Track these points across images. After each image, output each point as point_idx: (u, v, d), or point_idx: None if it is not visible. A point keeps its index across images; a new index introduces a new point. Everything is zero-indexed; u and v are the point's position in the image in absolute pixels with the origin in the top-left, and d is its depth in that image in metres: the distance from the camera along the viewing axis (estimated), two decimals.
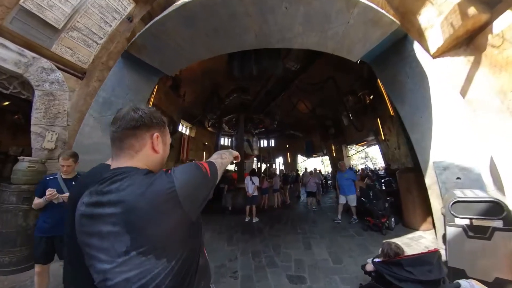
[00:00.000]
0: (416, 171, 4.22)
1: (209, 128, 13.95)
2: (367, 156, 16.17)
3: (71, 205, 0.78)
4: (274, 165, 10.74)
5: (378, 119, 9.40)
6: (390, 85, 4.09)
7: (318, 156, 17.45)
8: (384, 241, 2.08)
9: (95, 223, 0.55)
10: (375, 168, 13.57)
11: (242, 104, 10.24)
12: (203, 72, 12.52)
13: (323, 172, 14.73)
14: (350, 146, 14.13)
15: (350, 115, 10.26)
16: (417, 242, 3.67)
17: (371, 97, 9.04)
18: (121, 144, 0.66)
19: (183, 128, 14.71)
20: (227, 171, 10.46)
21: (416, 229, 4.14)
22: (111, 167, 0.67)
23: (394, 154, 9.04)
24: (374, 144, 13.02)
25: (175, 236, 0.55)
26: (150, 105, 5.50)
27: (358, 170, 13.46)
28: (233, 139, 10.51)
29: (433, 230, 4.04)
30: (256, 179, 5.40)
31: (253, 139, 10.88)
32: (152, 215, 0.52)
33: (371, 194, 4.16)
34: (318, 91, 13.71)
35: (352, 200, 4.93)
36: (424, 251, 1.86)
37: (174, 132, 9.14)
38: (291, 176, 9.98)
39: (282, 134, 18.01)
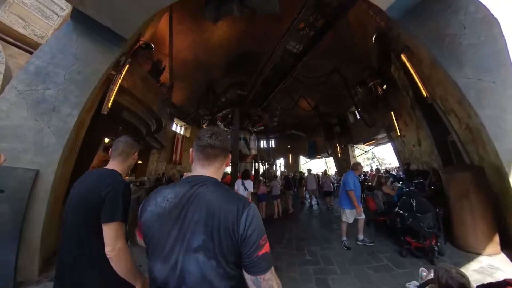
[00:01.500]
0: (475, 170, 2.92)
1: (205, 127, 12.74)
2: (374, 157, 14.78)
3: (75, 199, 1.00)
4: (274, 166, 9.39)
5: (392, 113, 8.11)
6: (435, 44, 2.87)
7: (322, 157, 16.12)
8: (439, 265, 1.39)
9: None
10: (386, 169, 12.17)
11: (238, 98, 9.05)
12: (197, 66, 11.43)
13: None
14: (356, 146, 12.80)
15: (360, 109, 8.97)
16: (490, 276, 2.35)
17: (384, 87, 7.77)
18: (215, 159, 0.79)
19: (177, 127, 13.54)
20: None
21: (478, 253, 2.80)
22: (197, 174, 0.77)
23: (413, 152, 7.71)
24: (385, 143, 11.68)
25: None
26: (116, 86, 4.31)
27: (366, 172, 12.07)
28: (228, 137, 9.26)
29: (503, 255, 2.72)
30: (249, 183, 4.15)
31: (250, 137, 9.63)
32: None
33: (414, 205, 2.83)
34: (321, 86, 12.52)
35: (346, 216, 3.48)
36: None
37: (158, 130, 7.93)
38: (294, 179, 8.64)
39: (283, 135, 16.78)
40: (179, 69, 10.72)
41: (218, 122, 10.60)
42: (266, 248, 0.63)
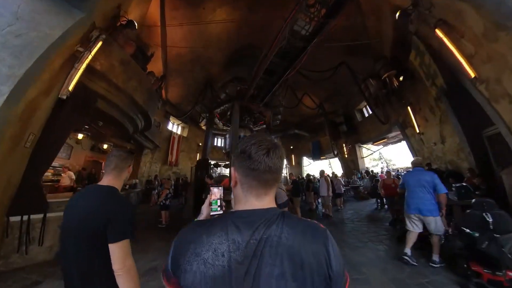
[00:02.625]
0: None
1: (203, 127, 11.86)
2: (381, 158, 13.81)
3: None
4: None
5: (409, 108, 7.18)
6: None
7: (326, 159, 15.15)
8: None
9: None
10: (398, 170, 11.18)
11: (238, 93, 8.16)
12: (193, 60, 10.58)
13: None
14: (364, 146, 11.84)
15: (372, 105, 8.05)
16: None
17: (401, 78, 6.85)
18: (274, 185, 0.58)
19: (174, 126, 12.67)
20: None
21: None
22: (251, 207, 0.55)
23: (433, 150, 6.75)
24: (396, 142, 10.72)
25: None
26: (83, 65, 3.44)
27: (376, 173, 11.08)
28: (227, 136, 8.29)
29: None
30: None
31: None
32: None
33: (490, 221, 1.88)
34: (327, 82, 11.62)
35: (437, 226, 2.68)
36: None
37: (147, 127, 7.03)
38: (303, 183, 7.64)
39: (285, 134, 15.83)
40: (174, 63, 9.90)
41: (216, 120, 9.69)
42: (347, 276, 0.54)
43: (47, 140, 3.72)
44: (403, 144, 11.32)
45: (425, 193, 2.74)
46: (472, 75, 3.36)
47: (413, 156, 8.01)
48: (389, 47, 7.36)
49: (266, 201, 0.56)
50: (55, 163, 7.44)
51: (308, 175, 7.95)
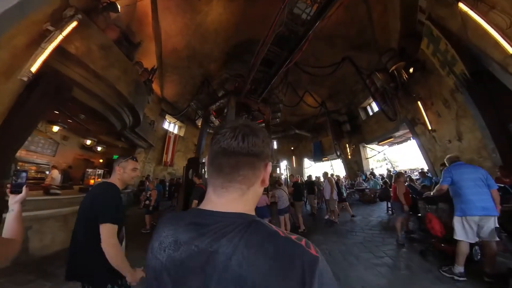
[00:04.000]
0: None
1: (200, 126, 11.31)
2: (385, 158, 13.10)
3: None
4: (278, 169, 7.72)
5: (419, 102, 6.56)
6: None
7: (328, 160, 14.47)
8: None
9: None
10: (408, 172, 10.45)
11: (235, 88, 7.63)
12: (190, 57, 10.09)
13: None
14: (369, 146, 11.18)
15: (378, 101, 7.45)
16: None
17: (411, 70, 6.25)
18: (237, 174, 0.43)
19: (170, 125, 12.15)
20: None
21: None
22: (208, 207, 0.44)
23: (448, 149, 6.08)
24: (402, 141, 10.05)
25: None
26: (50, 46, 2.94)
27: (380, 175, 10.38)
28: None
29: None
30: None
31: None
32: None
33: None
34: (329, 80, 11.09)
35: (491, 231, 2.11)
36: None
37: (135, 123, 6.49)
38: (305, 185, 6.96)
39: (285, 135, 15.24)
40: (170, 58, 9.43)
41: (212, 118, 9.14)
42: None
43: (8, 129, 3.19)
44: (409, 144, 10.66)
45: (485, 189, 2.22)
46: (510, 51, 2.75)
47: (424, 156, 7.33)
48: (396, 38, 6.79)
49: (226, 199, 0.43)
50: (39, 160, 6.93)
51: (310, 176, 7.27)
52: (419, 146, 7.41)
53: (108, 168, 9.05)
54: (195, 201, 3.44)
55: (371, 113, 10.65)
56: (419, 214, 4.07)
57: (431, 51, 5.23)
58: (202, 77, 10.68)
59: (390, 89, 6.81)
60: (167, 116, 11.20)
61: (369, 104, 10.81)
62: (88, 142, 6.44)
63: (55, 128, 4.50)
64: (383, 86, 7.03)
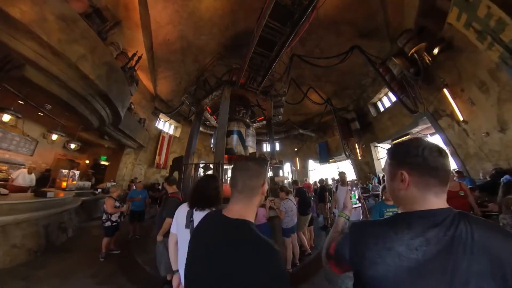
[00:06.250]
0: None
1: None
2: None
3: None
4: (281, 172, 6.67)
5: (445, 90, 5.55)
6: None
7: (335, 161, 13.35)
8: None
9: None
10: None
11: (230, 76, 6.81)
12: (184, 49, 9.38)
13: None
14: (381, 145, 10.08)
15: (395, 91, 6.46)
16: None
17: (435, 51, 5.28)
18: (446, 182, 0.60)
19: (165, 125, 11.42)
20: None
21: None
22: (431, 207, 0.58)
23: (484, 143, 5.00)
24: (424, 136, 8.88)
25: None
26: None
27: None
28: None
29: None
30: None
31: (247, 131, 7.21)
32: None
33: None
34: (334, 75, 10.21)
35: None
36: None
37: (116, 120, 5.70)
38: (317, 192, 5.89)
39: (289, 135, 14.30)
40: (162, 50, 8.75)
41: (208, 115, 8.32)
42: None
43: None
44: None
45: None
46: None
47: (451, 154, 6.22)
48: (413, 16, 5.87)
49: (443, 199, 0.57)
50: (13, 159, 6.21)
51: (321, 180, 6.19)
52: (444, 143, 6.32)
53: (95, 169, 8.36)
54: (169, 220, 2.23)
55: (382, 109, 9.61)
56: None
57: (463, 23, 4.26)
58: (198, 72, 9.99)
59: (410, 75, 5.82)
60: (161, 115, 10.46)
61: (380, 99, 9.81)
62: (54, 137, 5.64)
63: (6, 117, 3.71)
64: (401, 72, 6.05)
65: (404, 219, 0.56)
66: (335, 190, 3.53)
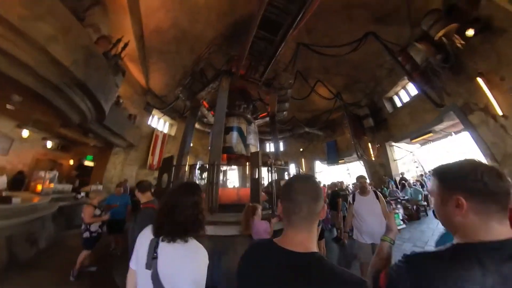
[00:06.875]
0: None
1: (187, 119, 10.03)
2: (415, 160, 11.28)
3: None
4: (286, 174, 6.06)
5: (479, 79, 4.99)
6: None
7: (345, 163, 12.81)
8: None
9: None
10: None
11: (228, 64, 6.34)
12: (178, 38, 8.91)
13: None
14: (397, 144, 9.52)
15: (417, 82, 5.93)
16: None
17: (469, 33, 4.72)
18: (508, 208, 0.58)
19: (159, 123, 11.02)
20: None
21: None
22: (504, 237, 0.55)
23: None
24: (441, 137, 8.33)
25: None
26: None
27: (415, 182, 8.66)
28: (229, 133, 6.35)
29: None
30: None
31: (248, 128, 6.74)
32: None
33: None
34: (344, 67, 9.67)
35: None
36: None
37: (100, 115, 5.28)
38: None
39: (294, 134, 13.78)
40: (154, 40, 8.29)
41: (205, 111, 7.88)
42: None
43: None
44: (448, 141, 8.90)
45: None
46: None
47: (484, 154, 5.65)
48: None
49: (508, 226, 0.55)
50: None
51: (334, 184, 5.67)
52: (476, 141, 5.76)
53: (80, 171, 8.00)
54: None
55: (399, 104, 9.05)
56: None
57: None
58: (194, 64, 9.54)
59: (437, 62, 5.27)
60: (154, 111, 10.06)
61: (397, 93, 9.24)
62: (25, 134, 5.23)
63: None
64: (425, 60, 5.51)
65: (469, 251, 0.54)
66: (351, 201, 2.97)
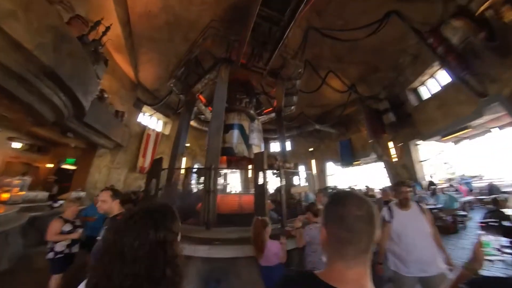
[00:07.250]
0: None
1: (191, 122, 9.62)
2: (446, 162, 10.63)
3: None
4: (298, 179, 5.41)
5: None
6: None
7: (360, 164, 12.21)
8: None
9: None
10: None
11: (227, 51, 5.88)
12: (171, 24, 8.45)
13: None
14: (425, 143, 8.91)
15: (453, 68, 5.35)
16: None
17: None
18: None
19: (151, 120, 10.63)
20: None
21: None
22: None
23: None
24: (480, 134, 7.70)
25: None
26: None
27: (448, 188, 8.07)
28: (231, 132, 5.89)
29: None
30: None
31: (252, 126, 6.27)
32: None
33: None
34: (360, 53, 9.10)
35: None
36: None
37: (79, 111, 4.88)
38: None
39: (302, 132, 13.26)
40: (143, 26, 7.84)
41: (202, 106, 7.44)
42: None
43: None
44: (485, 138, 8.25)
45: None
46: None
47: None
48: None
49: None
50: None
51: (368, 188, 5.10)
52: None
53: (59, 175, 7.64)
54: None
55: (427, 96, 8.42)
56: None
57: None
58: (189, 53, 9.11)
59: (480, 42, 4.68)
60: (144, 108, 9.68)
61: (423, 83, 8.61)
62: None
63: None
64: (465, 39, 4.92)
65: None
66: (387, 218, 2.39)
